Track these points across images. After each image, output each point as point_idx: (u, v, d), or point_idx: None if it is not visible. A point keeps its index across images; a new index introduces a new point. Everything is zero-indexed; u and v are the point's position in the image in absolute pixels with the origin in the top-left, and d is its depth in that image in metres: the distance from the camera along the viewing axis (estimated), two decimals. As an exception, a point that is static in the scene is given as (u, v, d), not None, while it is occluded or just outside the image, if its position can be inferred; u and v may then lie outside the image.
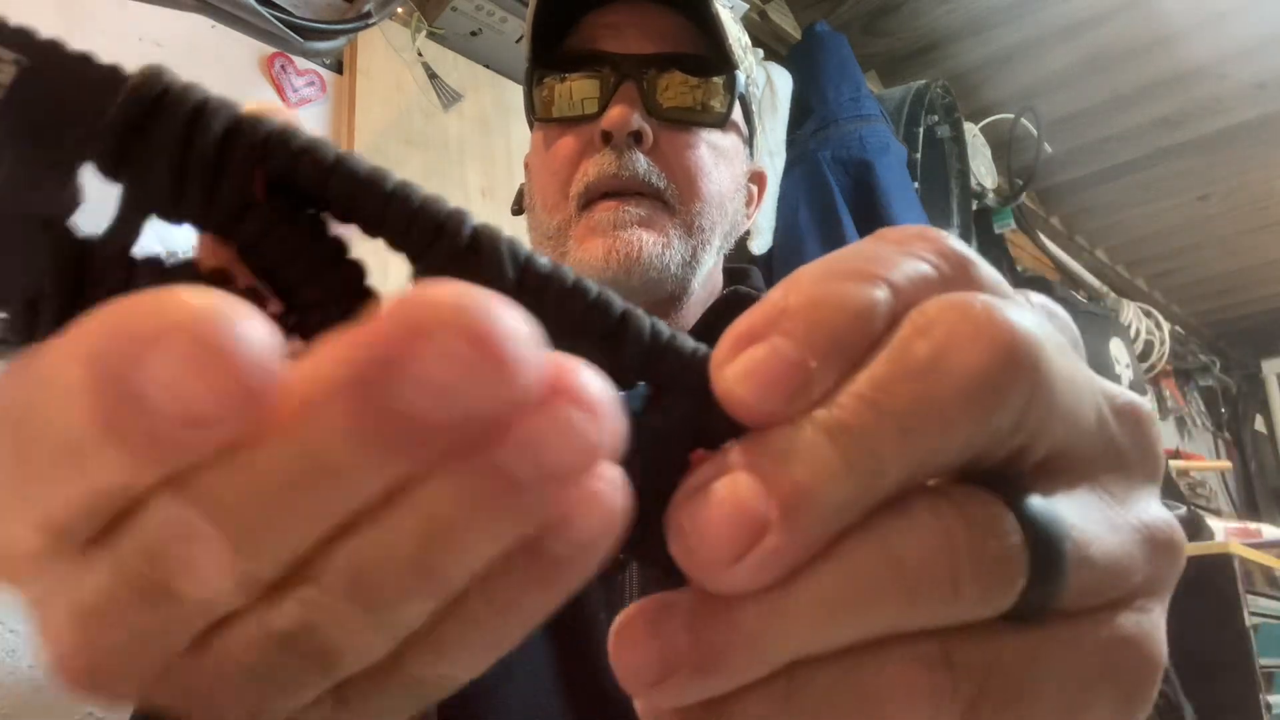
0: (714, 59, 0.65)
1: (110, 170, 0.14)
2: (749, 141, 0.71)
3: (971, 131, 2.05)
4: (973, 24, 1.95)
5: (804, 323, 0.15)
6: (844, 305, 0.15)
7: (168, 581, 0.13)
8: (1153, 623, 0.17)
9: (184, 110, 0.14)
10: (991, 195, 2.15)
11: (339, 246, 0.16)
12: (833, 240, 1.51)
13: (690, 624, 0.15)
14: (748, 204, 0.72)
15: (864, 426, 0.14)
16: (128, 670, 0.14)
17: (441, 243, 0.15)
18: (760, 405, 0.15)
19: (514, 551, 0.13)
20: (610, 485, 0.14)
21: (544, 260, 0.15)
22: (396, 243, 0.15)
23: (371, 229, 0.15)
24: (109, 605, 0.14)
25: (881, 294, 0.15)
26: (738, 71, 0.66)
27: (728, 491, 0.14)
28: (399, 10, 1.23)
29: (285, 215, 0.15)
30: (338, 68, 1.21)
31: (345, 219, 0.15)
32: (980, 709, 0.15)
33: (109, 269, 0.14)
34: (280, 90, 1.14)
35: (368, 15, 1.13)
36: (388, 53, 1.24)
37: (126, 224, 0.14)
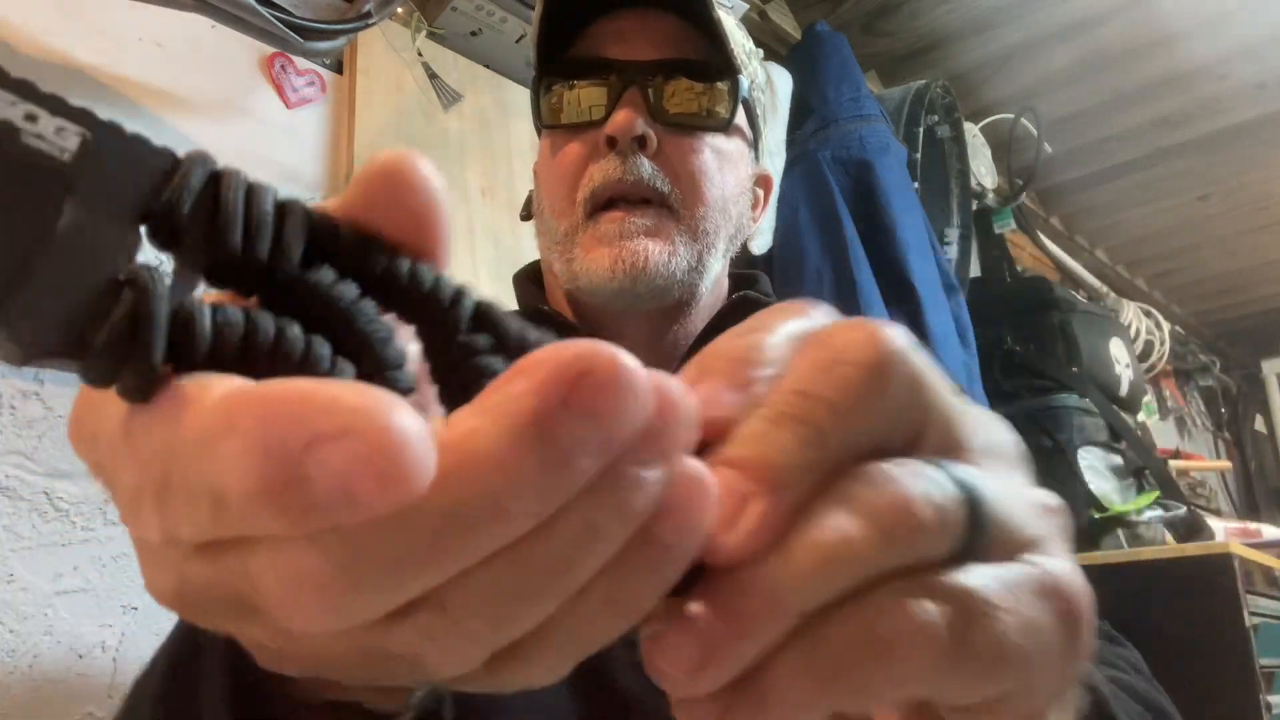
0: (718, 64, 0.66)
1: (161, 238, 0.15)
2: (754, 145, 0.72)
3: (971, 131, 2.05)
4: (973, 24, 1.95)
5: (726, 363, 0.20)
6: (751, 346, 0.20)
7: (260, 607, 0.15)
8: (1065, 559, 0.21)
9: (237, 190, 0.16)
10: (991, 195, 2.15)
11: (366, 309, 0.17)
12: (832, 240, 1.51)
13: (716, 603, 0.17)
14: (754, 207, 0.73)
15: (799, 409, 0.18)
16: (201, 620, 0.17)
17: (450, 317, 0.18)
18: (715, 414, 0.19)
19: (628, 544, 0.16)
20: (700, 472, 0.17)
21: (534, 332, 0.18)
22: (409, 317, 0.18)
23: (389, 305, 0.18)
24: (197, 591, 0.16)
25: (774, 336, 0.20)
26: (741, 76, 0.66)
27: (713, 480, 0.17)
28: (399, 10, 1.23)
29: (319, 284, 0.17)
30: (338, 68, 1.21)
31: (366, 294, 0.17)
32: (967, 637, 0.18)
33: (171, 317, 0.15)
34: (280, 90, 1.14)
35: (368, 15, 1.13)
36: (388, 53, 1.24)
37: (181, 286, 0.16)
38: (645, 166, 0.62)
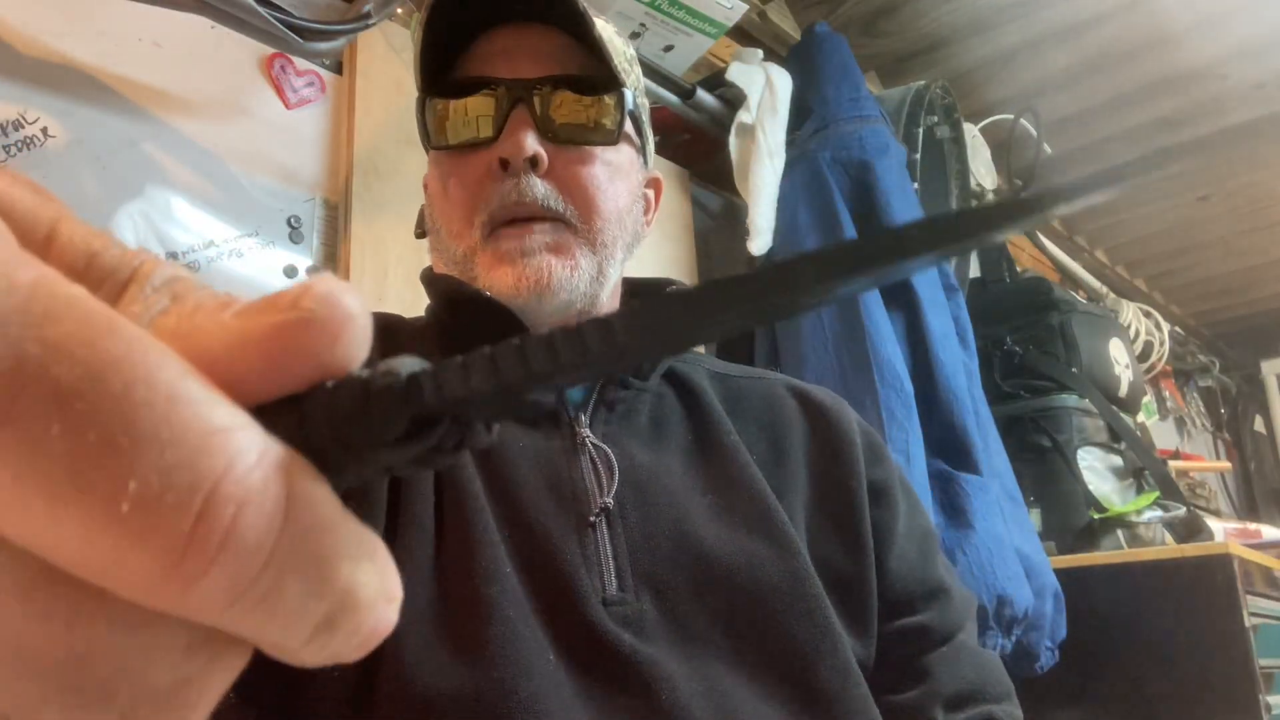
0: (601, 77, 0.67)
1: None
2: (643, 150, 0.74)
3: (971, 132, 2.04)
4: (973, 24, 1.95)
5: None
6: None
7: None
8: None
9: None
10: (991, 196, 2.15)
11: None
12: (832, 241, 1.51)
13: None
14: (646, 211, 0.75)
15: None
16: None
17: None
18: None
19: None
20: None
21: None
22: None
23: None
24: None
25: None
26: (625, 88, 0.68)
27: None
28: (399, 10, 1.23)
29: None
30: (337, 68, 1.21)
31: None
32: None
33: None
34: (280, 90, 1.14)
35: (368, 15, 1.13)
36: (388, 53, 1.24)
37: None
38: (539, 188, 0.64)
